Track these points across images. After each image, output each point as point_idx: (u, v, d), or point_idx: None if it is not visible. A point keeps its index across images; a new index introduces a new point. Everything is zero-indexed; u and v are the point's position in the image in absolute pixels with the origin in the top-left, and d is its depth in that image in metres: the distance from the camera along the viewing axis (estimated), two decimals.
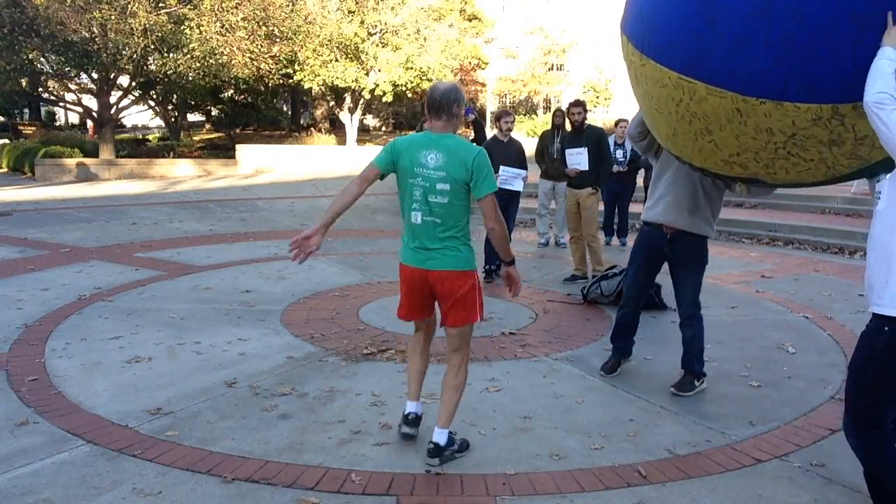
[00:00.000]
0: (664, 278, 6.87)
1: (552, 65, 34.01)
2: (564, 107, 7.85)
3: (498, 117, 7.25)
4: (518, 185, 6.86)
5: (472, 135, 8.13)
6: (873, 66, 2.59)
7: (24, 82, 20.88)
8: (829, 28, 2.67)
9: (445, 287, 3.20)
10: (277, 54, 19.41)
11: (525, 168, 7.02)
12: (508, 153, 6.94)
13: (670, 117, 3.29)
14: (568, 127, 7.56)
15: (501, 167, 6.74)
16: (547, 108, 34.32)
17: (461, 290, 3.20)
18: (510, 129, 7.04)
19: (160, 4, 18.02)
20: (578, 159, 6.99)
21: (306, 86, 21.77)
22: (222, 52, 17.95)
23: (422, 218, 3.15)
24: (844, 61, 2.69)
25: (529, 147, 8.32)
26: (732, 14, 2.83)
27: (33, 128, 32.02)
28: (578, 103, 7.12)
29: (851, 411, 2.72)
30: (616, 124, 9.24)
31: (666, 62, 3.08)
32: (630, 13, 3.47)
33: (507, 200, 6.91)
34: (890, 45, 2.60)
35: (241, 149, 20.66)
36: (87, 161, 18.61)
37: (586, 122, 7.17)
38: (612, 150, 7.92)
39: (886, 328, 2.56)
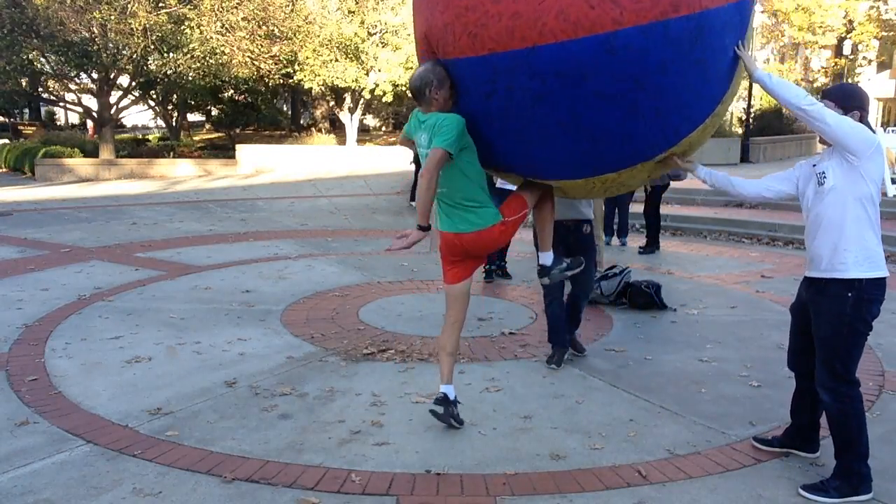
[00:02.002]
0: (664, 278, 6.89)
1: None
2: None
3: None
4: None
5: None
6: (773, 81, 3.03)
7: (24, 82, 20.88)
8: (687, 86, 3.02)
9: (478, 245, 3.45)
10: (277, 54, 19.40)
11: None
12: None
13: (580, 192, 3.67)
14: None
15: None
16: None
17: (495, 238, 3.44)
18: None
19: (160, 4, 18.01)
20: None
21: (306, 86, 21.76)
22: (222, 52, 17.95)
23: (437, 189, 3.35)
24: (703, 94, 3.11)
25: None
26: (609, 127, 3.07)
27: (33, 128, 32.00)
28: None
29: (827, 368, 3.03)
30: None
31: (570, 176, 3.38)
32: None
33: None
34: (758, 69, 3.06)
35: (241, 149, 20.65)
36: (88, 161, 18.60)
37: None
38: None
39: (850, 294, 2.92)
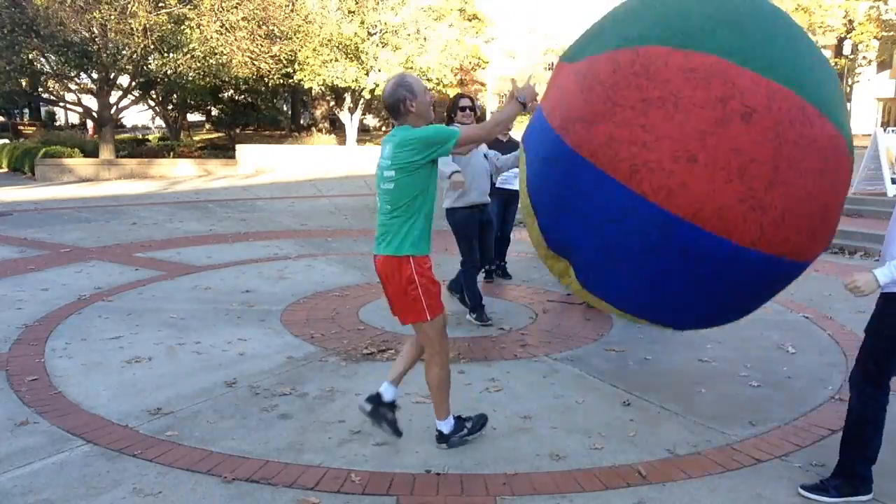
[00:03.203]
0: None
1: (551, 64, 34.07)
2: None
3: None
4: (517, 185, 6.85)
5: None
6: None
7: (24, 82, 20.88)
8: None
9: (384, 275, 3.22)
10: (277, 54, 19.42)
11: None
12: (507, 153, 6.93)
13: None
14: None
15: None
16: None
17: (399, 280, 3.16)
18: (509, 129, 7.03)
19: (160, 4, 18.02)
20: None
21: (306, 86, 21.78)
22: (222, 52, 17.96)
23: (379, 204, 3.26)
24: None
25: None
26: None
27: (33, 128, 32.02)
28: None
29: (862, 366, 3.01)
30: None
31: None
32: None
33: (507, 200, 6.91)
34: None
35: (241, 149, 20.68)
36: (88, 161, 18.60)
37: None
38: None
39: None
